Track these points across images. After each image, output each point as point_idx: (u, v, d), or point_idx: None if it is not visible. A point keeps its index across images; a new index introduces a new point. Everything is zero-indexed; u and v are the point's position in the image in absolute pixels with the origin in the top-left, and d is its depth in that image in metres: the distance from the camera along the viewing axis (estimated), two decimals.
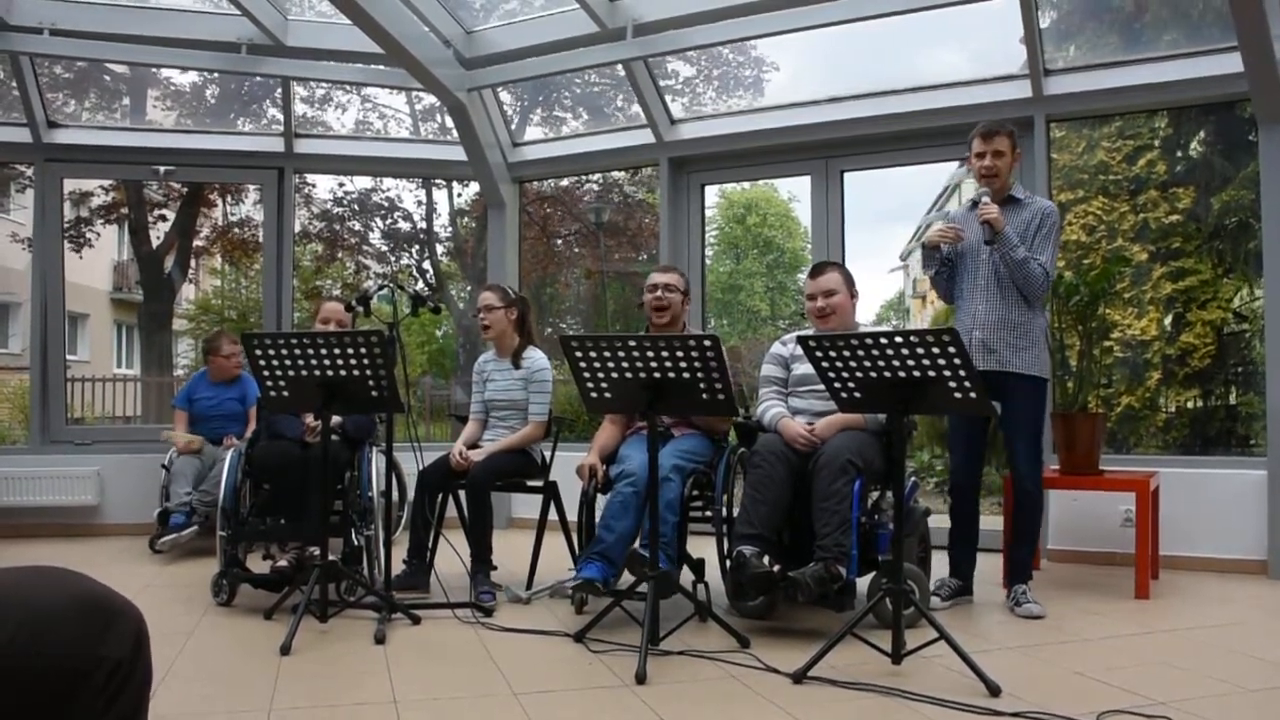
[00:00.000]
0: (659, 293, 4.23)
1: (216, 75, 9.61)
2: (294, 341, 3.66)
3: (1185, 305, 8.36)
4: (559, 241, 13.82)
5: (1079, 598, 4.19)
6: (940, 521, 4.17)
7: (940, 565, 4.16)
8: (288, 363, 3.67)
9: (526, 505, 5.51)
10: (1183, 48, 5.38)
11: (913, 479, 4.06)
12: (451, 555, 4.24)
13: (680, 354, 3.26)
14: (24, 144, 6.31)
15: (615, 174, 11.69)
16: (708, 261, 7.87)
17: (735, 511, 3.76)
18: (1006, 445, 4.05)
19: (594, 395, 3.48)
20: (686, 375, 3.29)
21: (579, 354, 3.39)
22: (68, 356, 6.63)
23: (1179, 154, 8.96)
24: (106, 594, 1.16)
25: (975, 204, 4.01)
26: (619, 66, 6.10)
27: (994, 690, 2.78)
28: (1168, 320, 8.67)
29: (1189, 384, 8.48)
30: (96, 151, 6.63)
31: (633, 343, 3.31)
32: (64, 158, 6.45)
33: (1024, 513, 4.04)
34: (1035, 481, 4.02)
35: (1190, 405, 8.61)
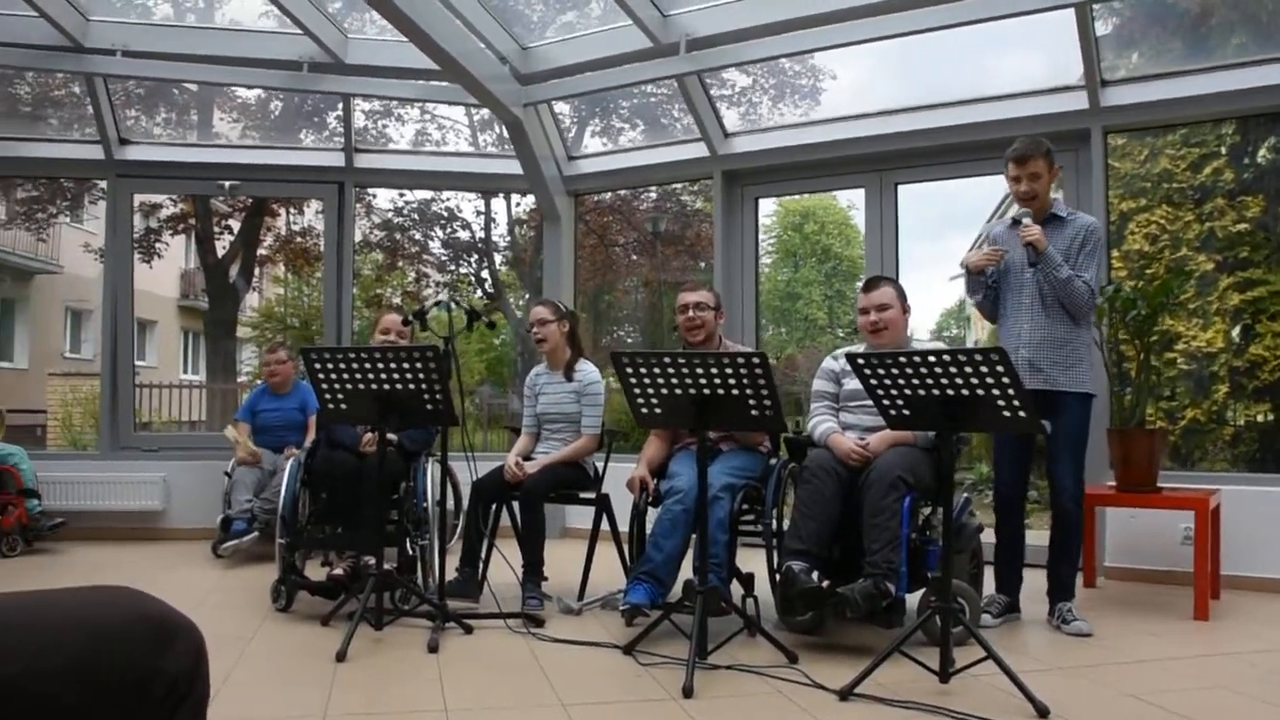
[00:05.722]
0: (690, 313, 4.25)
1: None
2: (351, 356, 3.76)
3: (1254, 316, 8.15)
4: (617, 250, 13.88)
5: (1135, 617, 4.12)
6: (993, 537, 4.13)
7: (991, 582, 4.12)
8: (345, 376, 3.78)
9: (579, 516, 5.55)
10: (1251, 54, 5.25)
11: (965, 495, 4.02)
12: (504, 565, 4.30)
13: (729, 370, 3.28)
14: (97, 160, 6.56)
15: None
16: (765, 269, 7.86)
17: (785, 526, 3.77)
18: (1049, 460, 3.97)
19: (644, 411, 3.51)
20: (735, 391, 3.31)
21: (629, 370, 3.43)
22: (135, 363, 6.84)
23: (1247, 161, 8.75)
24: (168, 612, 1.22)
25: (1016, 222, 3.95)
26: None
27: (1042, 711, 2.76)
28: (1235, 332, 8.46)
29: (1259, 398, 8.26)
30: (165, 167, 6.85)
31: (682, 360, 3.34)
32: (134, 173, 6.69)
33: (1063, 530, 3.97)
34: (1076, 499, 3.95)
35: (1260, 420, 8.38)
